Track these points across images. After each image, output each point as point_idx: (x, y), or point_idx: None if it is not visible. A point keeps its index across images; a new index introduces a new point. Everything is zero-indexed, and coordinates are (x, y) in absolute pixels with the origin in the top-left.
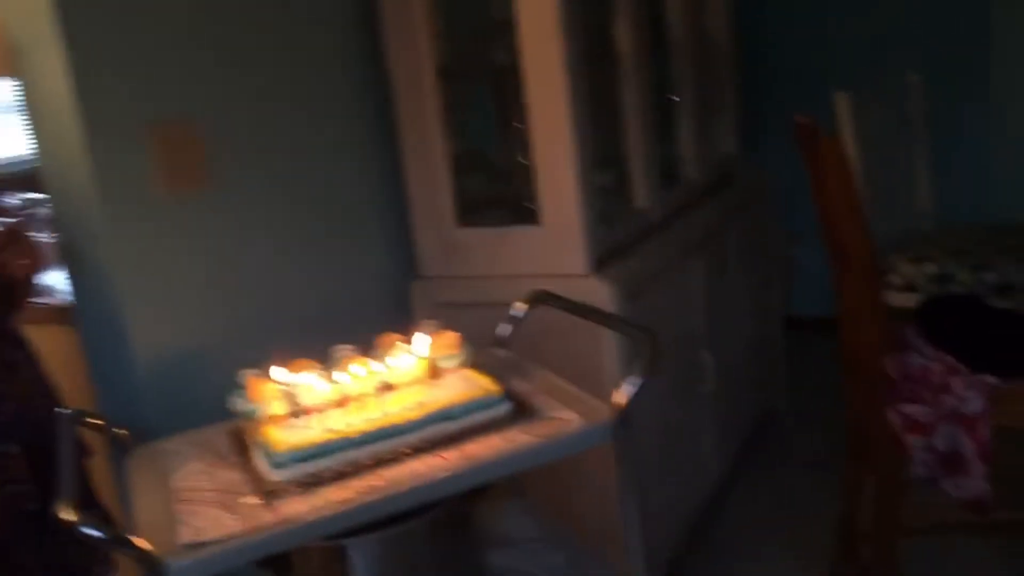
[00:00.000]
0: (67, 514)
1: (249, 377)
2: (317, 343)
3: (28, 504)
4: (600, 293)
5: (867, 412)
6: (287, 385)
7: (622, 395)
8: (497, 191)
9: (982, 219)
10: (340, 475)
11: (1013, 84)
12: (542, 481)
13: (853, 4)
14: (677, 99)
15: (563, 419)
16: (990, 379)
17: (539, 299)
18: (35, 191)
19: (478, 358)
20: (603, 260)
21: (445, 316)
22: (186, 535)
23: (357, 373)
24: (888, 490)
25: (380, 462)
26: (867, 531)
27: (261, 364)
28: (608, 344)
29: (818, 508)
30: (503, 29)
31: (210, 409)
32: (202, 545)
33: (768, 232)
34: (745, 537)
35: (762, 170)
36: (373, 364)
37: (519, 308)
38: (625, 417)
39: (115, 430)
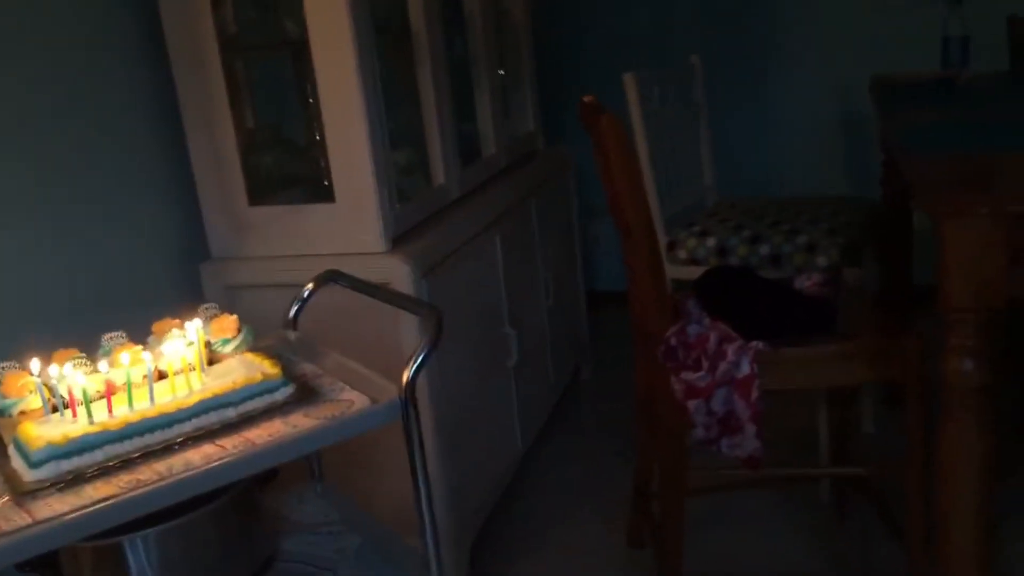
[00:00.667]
0: None
1: (4, 370)
2: (94, 331)
3: None
4: (397, 271)
5: (652, 380)
6: (45, 377)
7: (406, 372)
8: (294, 169)
9: (760, 194)
10: (104, 470)
11: (786, 67)
12: (342, 464)
13: None
14: (475, 74)
15: (348, 400)
16: (759, 345)
17: (326, 278)
18: None
19: (267, 341)
20: (401, 238)
21: (238, 299)
22: None
23: (123, 362)
24: (672, 453)
25: (149, 454)
26: (658, 492)
27: (19, 356)
28: (407, 323)
29: (620, 473)
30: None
31: None
32: None
33: (567, 208)
34: (552, 504)
35: (561, 147)
36: (143, 352)
37: (306, 288)
38: (410, 395)
39: None
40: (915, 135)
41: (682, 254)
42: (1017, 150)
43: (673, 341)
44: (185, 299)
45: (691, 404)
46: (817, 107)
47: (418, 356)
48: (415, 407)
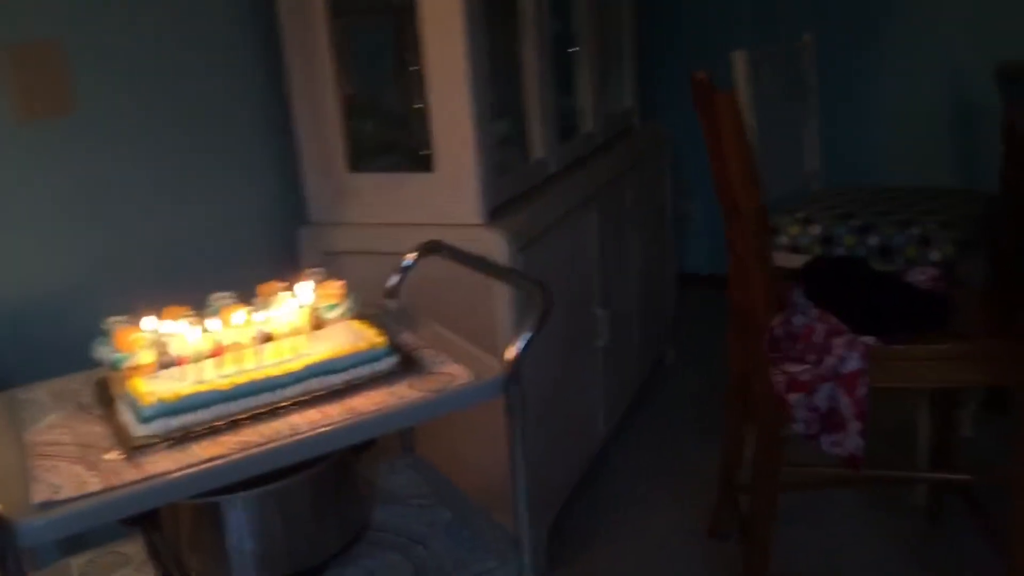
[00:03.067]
0: None
1: (116, 324)
2: (196, 290)
3: None
4: (494, 244)
5: (751, 369)
6: (157, 333)
7: (512, 349)
8: (391, 136)
9: (867, 181)
10: (212, 430)
11: (900, 47)
12: (432, 436)
13: None
14: (576, 49)
15: (451, 374)
16: (869, 340)
17: (430, 249)
18: None
19: (366, 309)
20: (498, 211)
21: (334, 264)
22: (40, 493)
23: (233, 322)
24: (768, 446)
25: (256, 416)
26: (747, 484)
27: (130, 310)
28: (501, 297)
29: (703, 460)
30: None
31: (72, 357)
32: (57, 504)
33: (662, 187)
34: (631, 488)
35: (659, 125)
36: (251, 313)
37: (408, 258)
38: (515, 372)
39: None
40: None
41: (783, 240)
42: None
43: (778, 331)
44: (283, 263)
45: (792, 398)
46: (931, 93)
47: (526, 334)
48: (520, 384)
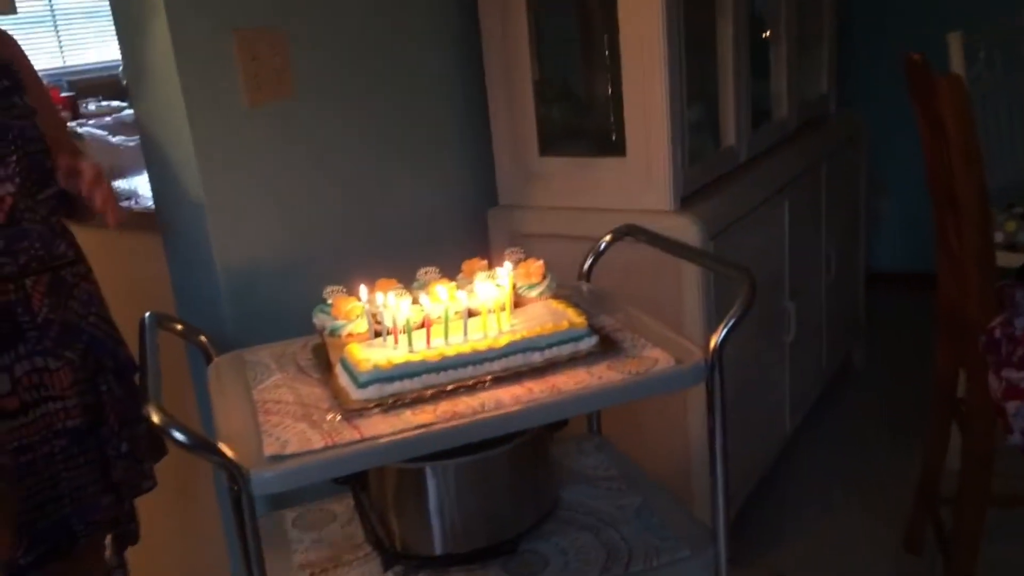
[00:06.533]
0: (156, 416)
1: (334, 293)
2: (396, 263)
3: (67, 421)
4: (684, 231)
5: (965, 373)
6: (372, 304)
7: (715, 336)
8: (579, 121)
9: None
10: (421, 398)
11: None
12: (615, 418)
13: None
14: (769, 32)
15: (653, 357)
16: None
17: (625, 232)
18: (119, 97)
19: (561, 290)
20: (688, 198)
21: (522, 246)
22: (270, 447)
23: (441, 297)
24: (980, 457)
25: (462, 388)
26: (950, 496)
27: (343, 280)
28: (690, 284)
29: (891, 465)
30: None
31: (291, 322)
32: (286, 458)
33: (856, 179)
34: (816, 490)
35: (855, 114)
36: (457, 288)
37: (604, 240)
38: (718, 360)
39: (197, 336)
40: None
41: (998, 237)
42: None
43: (997, 333)
44: (472, 243)
45: (1010, 406)
46: None
47: (729, 320)
48: (721, 373)
